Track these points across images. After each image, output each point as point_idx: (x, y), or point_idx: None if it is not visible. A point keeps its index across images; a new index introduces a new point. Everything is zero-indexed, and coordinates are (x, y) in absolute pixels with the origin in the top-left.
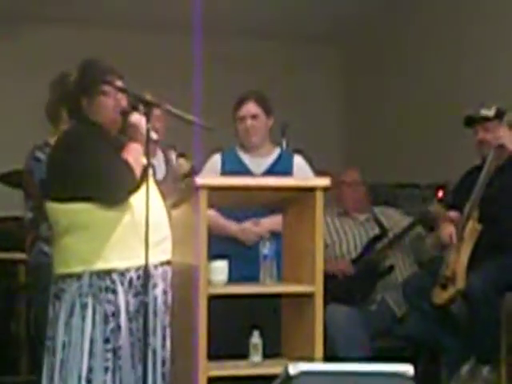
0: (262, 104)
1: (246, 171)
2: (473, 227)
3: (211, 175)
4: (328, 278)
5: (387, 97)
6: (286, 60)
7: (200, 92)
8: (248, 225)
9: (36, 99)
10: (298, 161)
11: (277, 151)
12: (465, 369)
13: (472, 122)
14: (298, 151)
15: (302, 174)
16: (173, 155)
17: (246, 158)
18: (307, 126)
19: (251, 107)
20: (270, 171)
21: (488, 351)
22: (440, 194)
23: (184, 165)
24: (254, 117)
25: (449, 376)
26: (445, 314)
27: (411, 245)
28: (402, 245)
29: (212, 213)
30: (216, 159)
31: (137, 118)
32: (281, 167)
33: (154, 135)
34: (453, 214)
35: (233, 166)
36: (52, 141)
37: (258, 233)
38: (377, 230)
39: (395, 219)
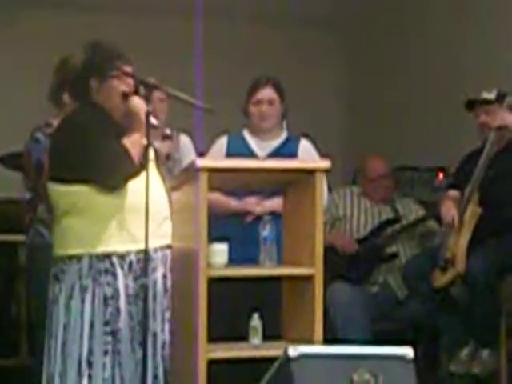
0: (278, 90)
1: (250, 154)
2: (473, 210)
3: (215, 157)
4: (328, 252)
5: (389, 81)
6: (289, 45)
7: (201, 76)
8: (252, 200)
9: (36, 84)
10: (305, 144)
11: (284, 135)
12: (464, 352)
13: (473, 105)
14: (305, 135)
15: (308, 157)
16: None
17: (252, 140)
18: (309, 111)
19: (269, 92)
20: (275, 154)
21: (488, 334)
22: (440, 176)
23: (165, 147)
24: (270, 102)
25: (448, 359)
26: (445, 297)
27: (421, 237)
28: (412, 235)
29: (213, 194)
30: (222, 142)
31: (137, 101)
32: (286, 150)
33: (153, 120)
34: (453, 192)
35: (238, 149)
36: (54, 122)
37: (261, 207)
38: (390, 215)
39: (411, 208)
